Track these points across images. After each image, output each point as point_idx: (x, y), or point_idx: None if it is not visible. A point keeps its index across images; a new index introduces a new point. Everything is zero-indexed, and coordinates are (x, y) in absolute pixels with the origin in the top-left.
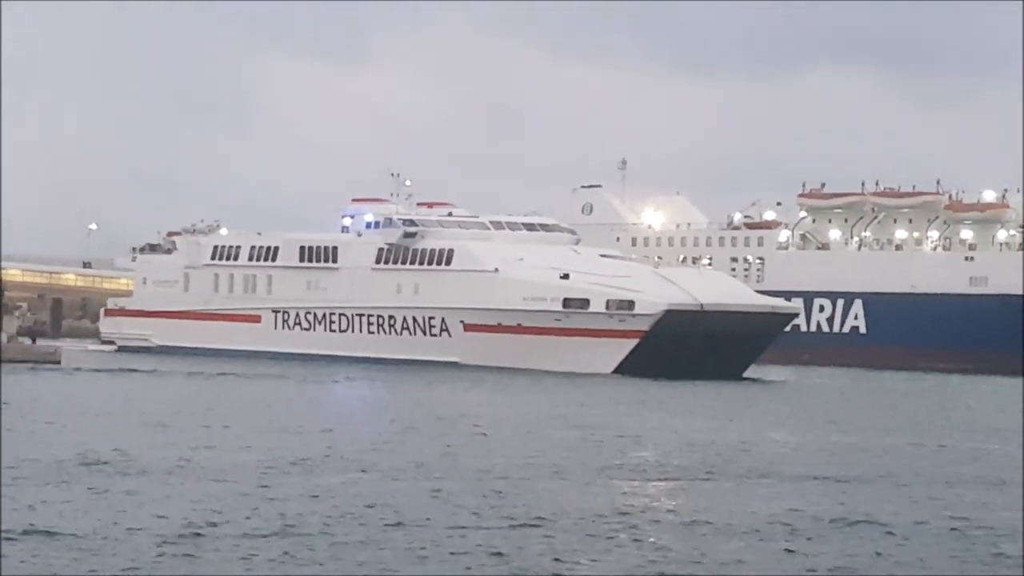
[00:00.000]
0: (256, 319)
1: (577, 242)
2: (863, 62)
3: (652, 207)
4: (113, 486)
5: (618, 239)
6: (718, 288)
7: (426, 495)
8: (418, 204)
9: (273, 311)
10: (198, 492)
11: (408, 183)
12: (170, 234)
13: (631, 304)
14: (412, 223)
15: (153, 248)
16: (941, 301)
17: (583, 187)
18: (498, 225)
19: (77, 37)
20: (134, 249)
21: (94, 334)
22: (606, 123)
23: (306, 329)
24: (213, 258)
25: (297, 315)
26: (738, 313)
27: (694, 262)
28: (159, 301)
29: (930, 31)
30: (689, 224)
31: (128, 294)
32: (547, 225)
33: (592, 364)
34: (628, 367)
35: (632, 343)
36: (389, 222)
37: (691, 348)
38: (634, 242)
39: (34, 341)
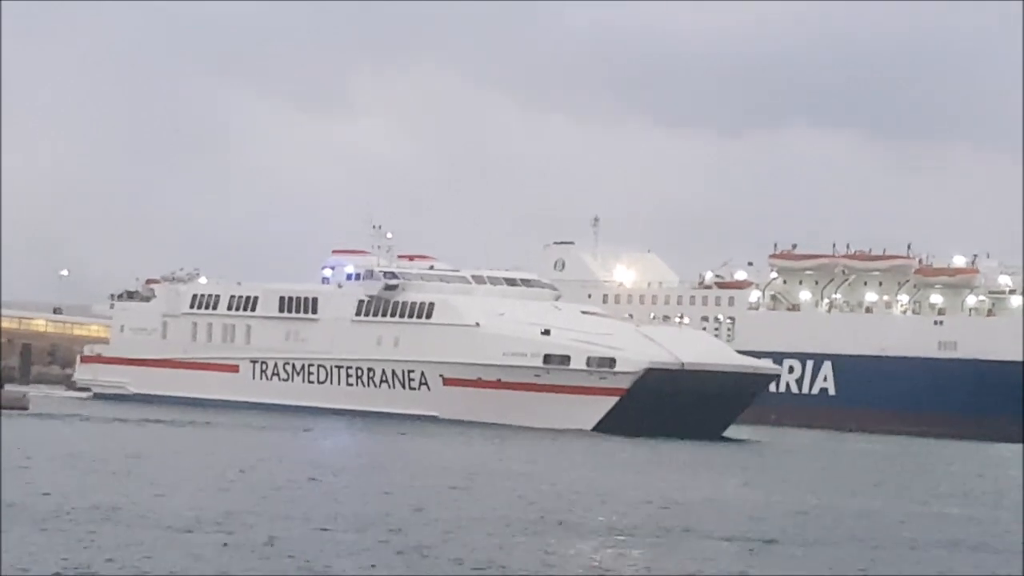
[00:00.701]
0: (235, 369)
1: (558, 298)
2: (839, 124)
3: (624, 264)
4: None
5: (590, 296)
6: (699, 347)
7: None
8: (399, 256)
9: (252, 361)
10: (108, 540)
11: (389, 235)
12: (149, 281)
13: (612, 361)
14: (393, 275)
15: (131, 295)
16: (910, 364)
17: (556, 243)
18: (479, 279)
19: (48, 76)
20: (112, 296)
21: (63, 380)
22: (581, 178)
23: (285, 380)
24: (192, 306)
25: (276, 365)
26: (719, 373)
27: (665, 320)
28: (137, 349)
29: (906, 95)
30: (661, 282)
31: (100, 340)
32: (528, 280)
33: (572, 421)
34: (608, 424)
35: (612, 400)
36: (370, 274)
37: (671, 407)
38: (605, 299)
39: (1, 386)
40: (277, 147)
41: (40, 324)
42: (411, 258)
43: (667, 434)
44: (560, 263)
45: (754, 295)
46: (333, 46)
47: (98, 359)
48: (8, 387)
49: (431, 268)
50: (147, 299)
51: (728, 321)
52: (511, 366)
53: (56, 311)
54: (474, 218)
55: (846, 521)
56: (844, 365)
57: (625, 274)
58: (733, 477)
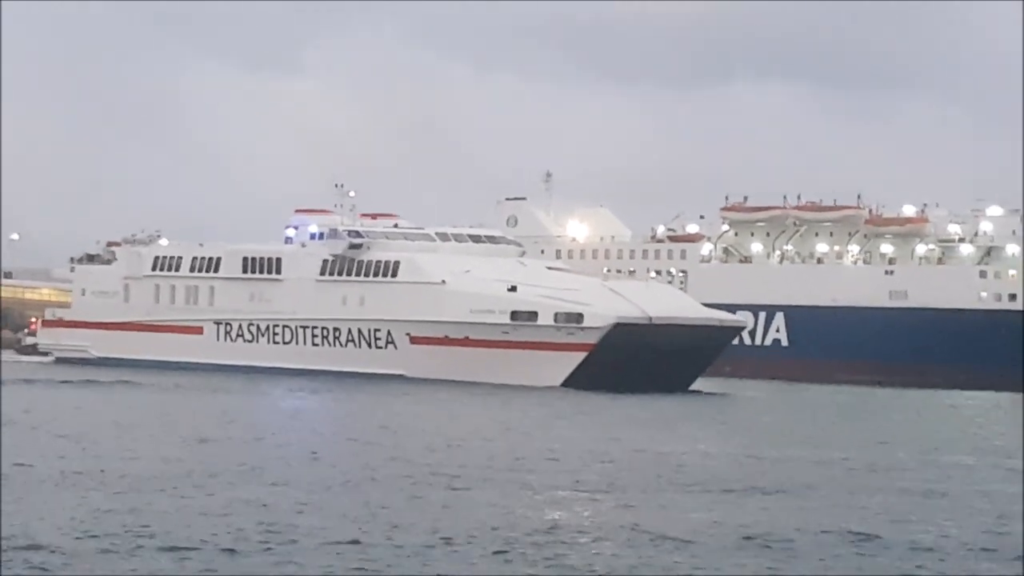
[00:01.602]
0: (198, 331)
1: (522, 254)
2: (785, 75)
3: (577, 219)
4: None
5: (543, 251)
6: (666, 301)
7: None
8: (362, 215)
9: (216, 323)
10: (78, 504)
11: (352, 194)
12: (109, 244)
13: (580, 317)
14: (358, 234)
15: (92, 258)
16: (862, 314)
17: (508, 199)
18: (444, 237)
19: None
20: (72, 259)
21: (14, 344)
22: (531, 135)
23: (249, 341)
24: (154, 269)
25: (240, 327)
26: (686, 326)
27: (618, 274)
28: (98, 312)
29: (853, 44)
30: (613, 237)
31: (53, 304)
32: (493, 237)
33: (540, 377)
34: (576, 380)
35: (580, 356)
36: (334, 233)
37: (640, 361)
38: (558, 254)
39: None
40: (227, 109)
41: None
42: (374, 216)
43: (635, 389)
44: (513, 219)
45: (706, 248)
46: (283, 7)
47: (59, 323)
48: None
49: (395, 226)
50: (108, 262)
51: (680, 275)
52: (478, 323)
53: (7, 275)
54: (427, 176)
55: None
56: (796, 316)
57: (578, 229)
58: (712, 430)
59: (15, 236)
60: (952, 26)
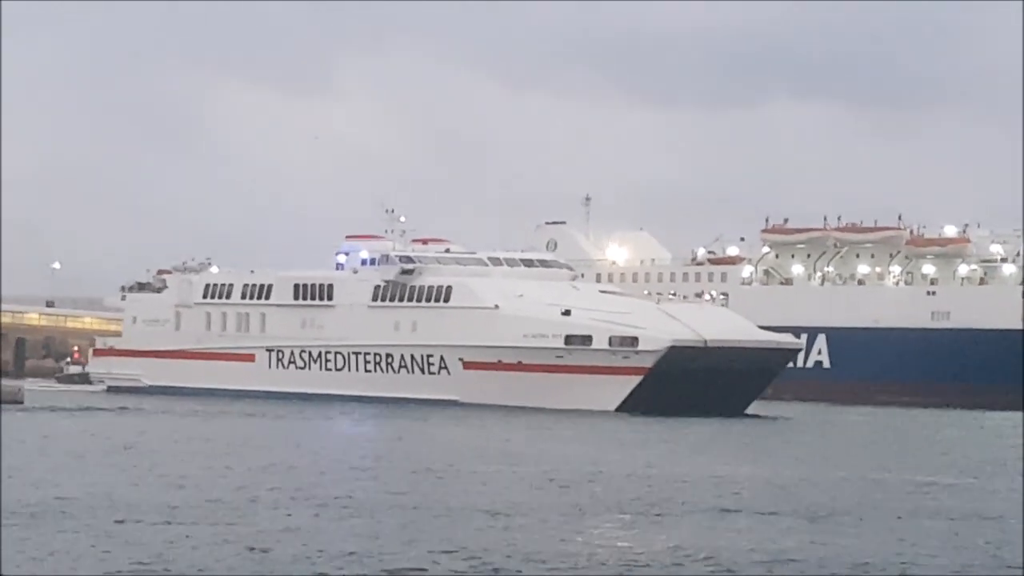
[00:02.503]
0: (250, 358)
1: (575, 277)
2: (820, 95)
3: (616, 243)
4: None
5: (583, 275)
6: (721, 323)
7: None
8: (413, 240)
9: (267, 350)
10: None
11: (403, 219)
12: (160, 272)
13: (635, 340)
14: (409, 259)
15: (142, 287)
16: (903, 335)
17: (547, 223)
18: (496, 261)
19: (31, 65)
20: (123, 287)
21: (54, 373)
22: (567, 157)
23: (301, 368)
24: (205, 296)
25: (292, 354)
26: (742, 349)
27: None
28: (149, 340)
29: (887, 62)
30: (653, 260)
31: (94, 333)
32: (546, 261)
33: (595, 401)
34: (631, 404)
35: (636, 380)
36: (386, 259)
37: (695, 384)
38: (598, 278)
39: None
40: (260, 131)
41: (33, 318)
42: (425, 242)
43: (690, 412)
44: (552, 243)
45: (747, 270)
46: (314, 31)
47: (111, 352)
48: (4, 381)
49: (447, 251)
50: (159, 290)
51: (722, 297)
52: (532, 347)
53: (49, 304)
54: (464, 200)
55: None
56: (838, 338)
57: (617, 252)
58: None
59: (57, 265)
60: (987, 41)
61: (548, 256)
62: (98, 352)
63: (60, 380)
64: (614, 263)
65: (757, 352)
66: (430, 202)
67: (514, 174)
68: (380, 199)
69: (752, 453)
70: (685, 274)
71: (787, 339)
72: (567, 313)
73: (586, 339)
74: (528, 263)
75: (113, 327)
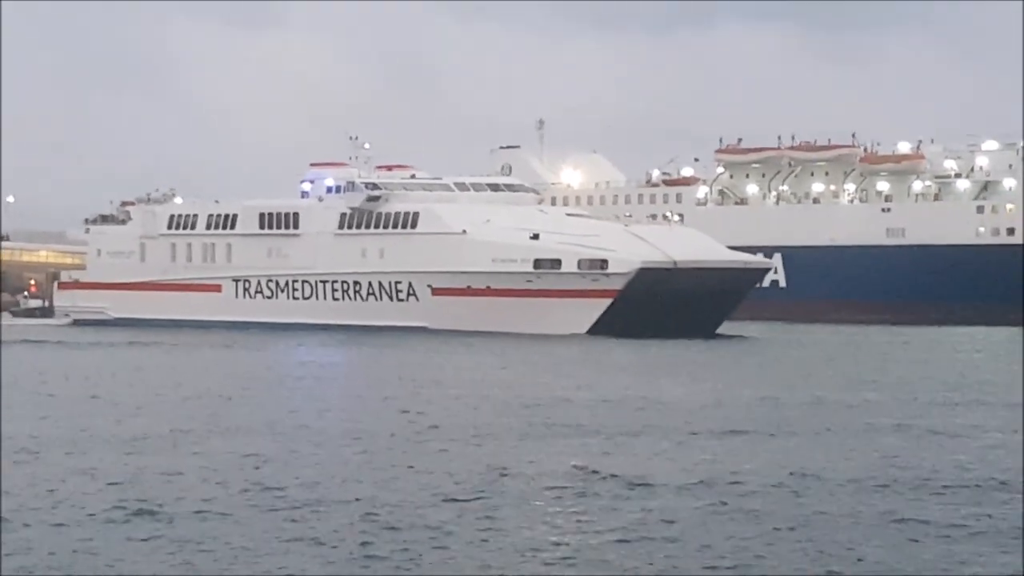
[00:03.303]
0: (216, 288)
1: (541, 201)
2: (771, 17)
3: (570, 166)
4: None
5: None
6: (690, 244)
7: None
8: (377, 167)
9: (234, 280)
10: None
11: (367, 146)
12: (124, 204)
13: (604, 263)
14: (376, 186)
15: (106, 219)
16: (859, 253)
17: (501, 148)
18: (462, 186)
19: None
20: (86, 220)
21: (11, 307)
22: (519, 84)
23: (268, 297)
24: (170, 227)
25: (259, 283)
26: (712, 269)
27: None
28: (115, 273)
29: None
30: (608, 182)
31: (53, 267)
32: (512, 185)
33: (565, 325)
34: (602, 327)
35: (606, 303)
36: (351, 186)
37: (666, 306)
38: (553, 202)
39: None
40: (215, 65)
41: None
42: (389, 168)
43: (661, 334)
44: (507, 168)
45: (701, 191)
46: None
47: (75, 285)
48: None
49: (412, 177)
50: (123, 222)
51: (677, 218)
52: (501, 272)
53: (5, 239)
54: (417, 128)
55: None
56: (793, 257)
57: (572, 176)
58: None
59: (11, 199)
60: None
61: (514, 180)
62: (63, 285)
63: (16, 314)
64: (568, 186)
65: (727, 272)
66: (385, 130)
67: (466, 101)
68: (344, 128)
69: (735, 374)
70: (640, 196)
71: (756, 259)
72: (535, 237)
73: (555, 263)
74: (494, 187)
75: (72, 260)
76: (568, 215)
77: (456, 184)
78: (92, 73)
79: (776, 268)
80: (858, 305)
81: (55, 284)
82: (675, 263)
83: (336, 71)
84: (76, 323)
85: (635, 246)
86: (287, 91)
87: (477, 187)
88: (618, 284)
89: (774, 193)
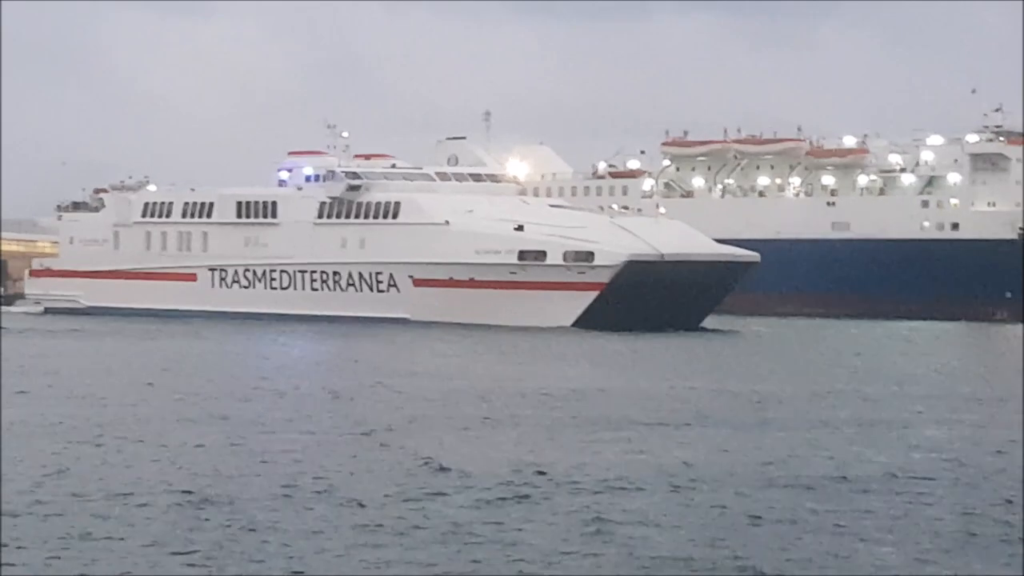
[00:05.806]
0: (191, 278)
1: (523, 192)
2: (703, 4)
3: (517, 157)
4: None
5: None
6: (677, 237)
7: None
8: (355, 156)
9: (210, 269)
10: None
11: (345, 134)
12: (97, 191)
13: (590, 255)
14: (356, 175)
15: (78, 206)
16: (804, 247)
17: (448, 139)
18: (444, 176)
19: None
20: (59, 207)
21: None
22: (456, 71)
23: (245, 287)
24: (144, 215)
25: (235, 273)
26: (699, 262)
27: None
28: (88, 261)
29: None
30: (555, 174)
31: (19, 255)
32: (494, 175)
33: (550, 318)
34: (588, 320)
35: (592, 295)
36: (331, 175)
37: (652, 299)
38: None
39: None
40: (140, 51)
41: None
42: (368, 157)
43: (647, 327)
44: (453, 159)
45: (647, 183)
46: None
47: (47, 272)
48: None
49: (392, 167)
50: (96, 209)
51: (623, 211)
52: (485, 264)
53: None
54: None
55: None
56: None
57: (518, 167)
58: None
59: None
60: None
61: (495, 171)
62: (35, 273)
63: None
64: (515, 178)
65: (714, 265)
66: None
67: (405, 91)
68: (322, 117)
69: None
70: (587, 188)
71: (743, 252)
72: (520, 228)
73: (540, 254)
74: (476, 178)
75: (43, 248)
76: (552, 206)
77: (437, 174)
78: (28, 67)
79: None
80: (803, 298)
81: (27, 271)
82: (662, 256)
83: (271, 63)
84: (47, 311)
85: (621, 238)
86: (224, 80)
87: (459, 177)
88: (605, 277)
89: (720, 186)
